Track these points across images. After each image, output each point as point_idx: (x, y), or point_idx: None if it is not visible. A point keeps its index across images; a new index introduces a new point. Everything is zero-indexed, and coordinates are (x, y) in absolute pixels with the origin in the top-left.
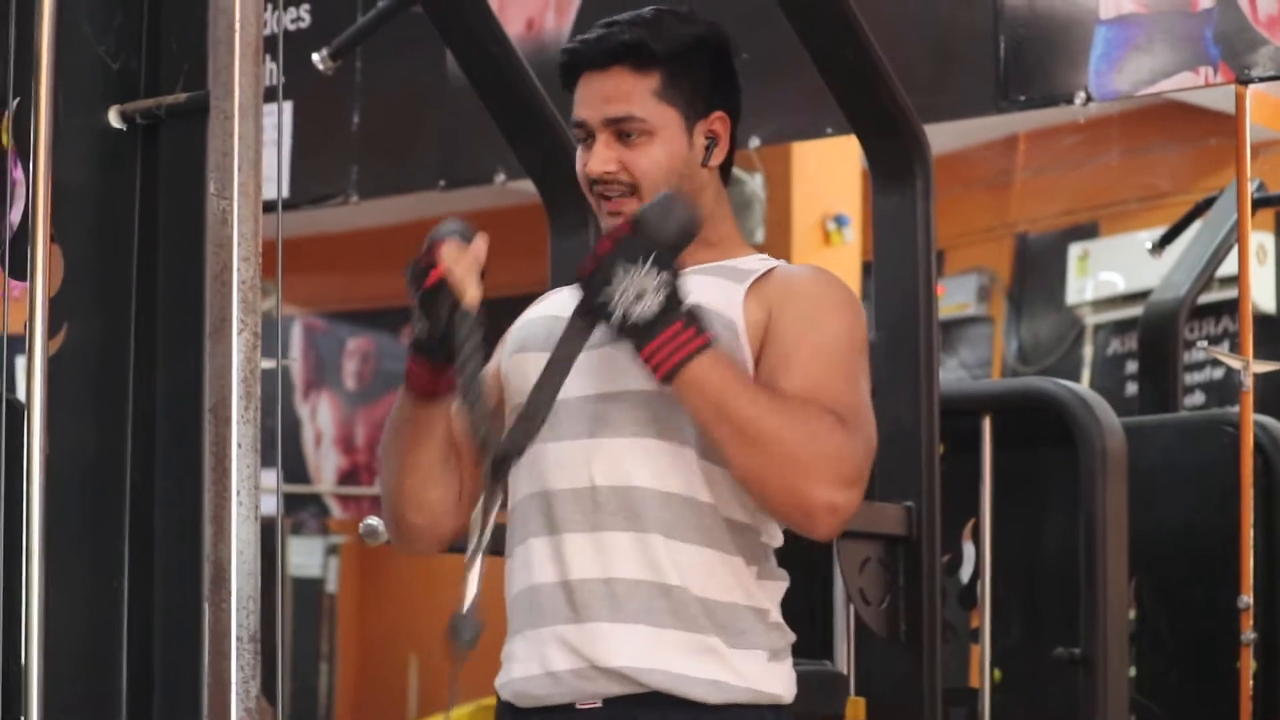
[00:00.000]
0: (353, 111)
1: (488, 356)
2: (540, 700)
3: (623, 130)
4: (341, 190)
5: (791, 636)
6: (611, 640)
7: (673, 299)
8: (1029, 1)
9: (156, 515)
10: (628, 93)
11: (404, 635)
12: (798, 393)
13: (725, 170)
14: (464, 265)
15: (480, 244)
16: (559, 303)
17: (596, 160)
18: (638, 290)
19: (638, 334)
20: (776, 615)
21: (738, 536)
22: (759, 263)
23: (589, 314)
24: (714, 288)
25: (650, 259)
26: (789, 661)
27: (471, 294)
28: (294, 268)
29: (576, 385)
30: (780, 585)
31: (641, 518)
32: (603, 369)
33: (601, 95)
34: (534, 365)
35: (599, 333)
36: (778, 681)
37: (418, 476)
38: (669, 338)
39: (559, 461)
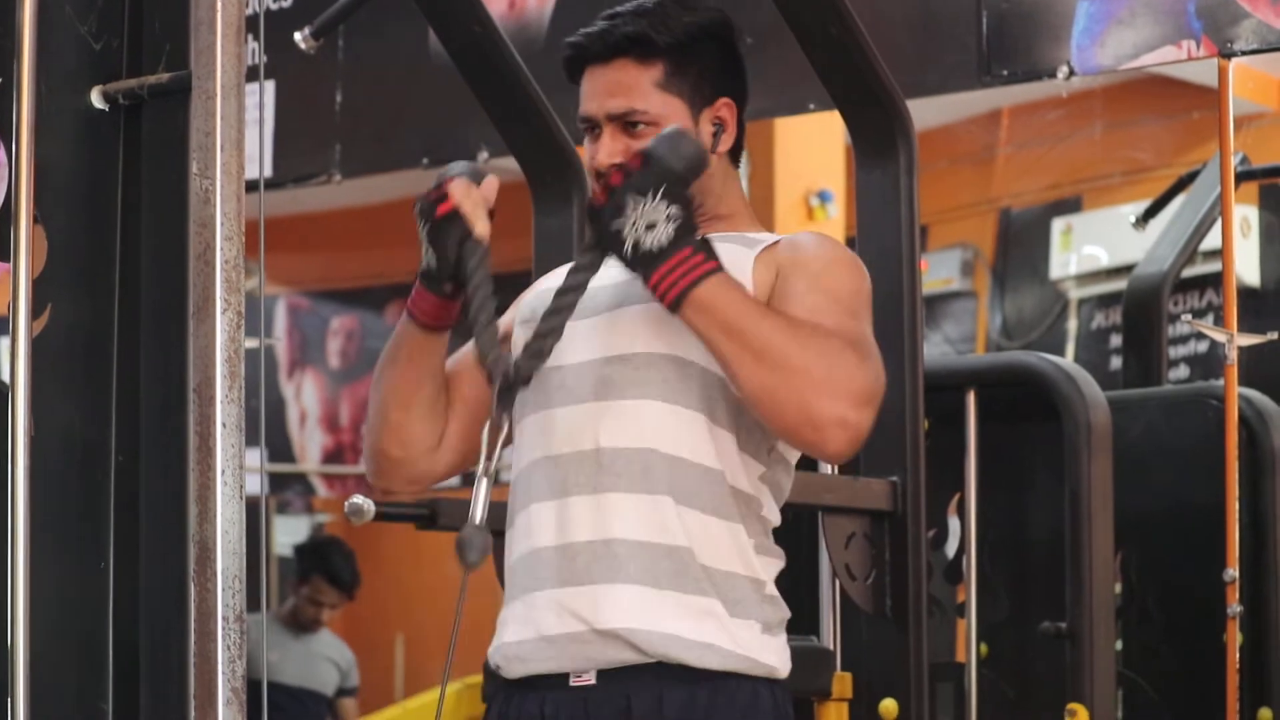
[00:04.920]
0: (335, 90)
1: (494, 290)
2: (531, 667)
3: (628, 122)
4: (324, 169)
5: (786, 612)
6: (609, 601)
7: (683, 229)
8: None
9: (141, 495)
10: (630, 86)
11: (390, 614)
12: (806, 321)
13: (735, 154)
14: (473, 200)
15: (490, 184)
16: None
17: (604, 153)
18: (649, 221)
19: (648, 261)
20: (773, 589)
21: (742, 506)
22: (768, 236)
23: (600, 244)
24: (724, 253)
25: (660, 191)
26: (784, 637)
27: (481, 225)
28: (277, 247)
29: (583, 349)
30: (776, 563)
31: (651, 480)
32: (609, 332)
33: (605, 89)
34: None
35: (608, 294)
36: (773, 654)
37: (404, 410)
38: (678, 263)
39: (565, 425)
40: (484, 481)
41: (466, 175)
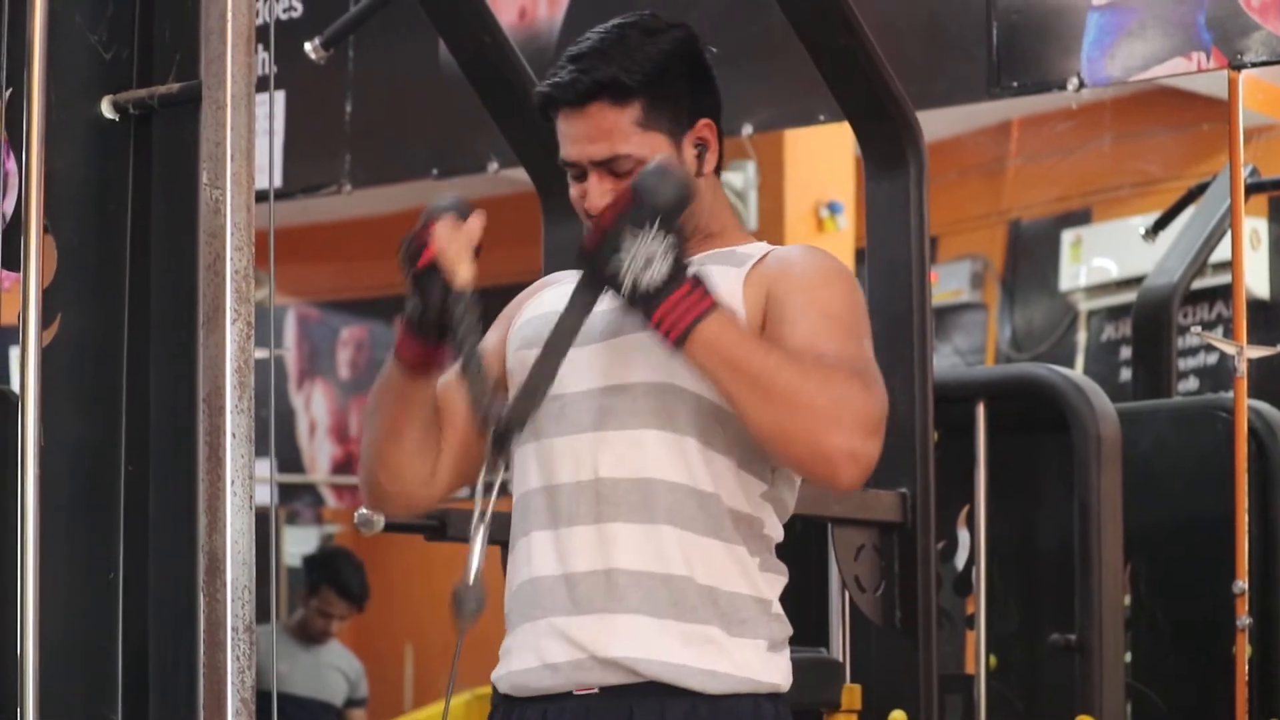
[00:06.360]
0: (345, 101)
1: (484, 334)
2: (537, 691)
3: (614, 167)
4: (334, 179)
5: (790, 630)
6: (610, 631)
7: (679, 262)
8: None
9: (151, 506)
10: (609, 130)
11: (400, 625)
12: (808, 351)
13: (718, 167)
14: (457, 245)
15: (475, 222)
16: (562, 297)
17: (595, 196)
18: (646, 257)
19: (649, 299)
20: (778, 607)
21: (742, 528)
22: (757, 248)
23: (596, 285)
24: (714, 274)
25: (654, 226)
26: (787, 652)
27: (464, 275)
28: (287, 257)
29: (582, 379)
30: (780, 579)
31: (651, 509)
32: (607, 362)
33: (585, 135)
34: None
35: (605, 321)
36: (776, 671)
37: (396, 445)
38: (678, 300)
39: (564, 455)
40: (479, 537)
41: (452, 212)
